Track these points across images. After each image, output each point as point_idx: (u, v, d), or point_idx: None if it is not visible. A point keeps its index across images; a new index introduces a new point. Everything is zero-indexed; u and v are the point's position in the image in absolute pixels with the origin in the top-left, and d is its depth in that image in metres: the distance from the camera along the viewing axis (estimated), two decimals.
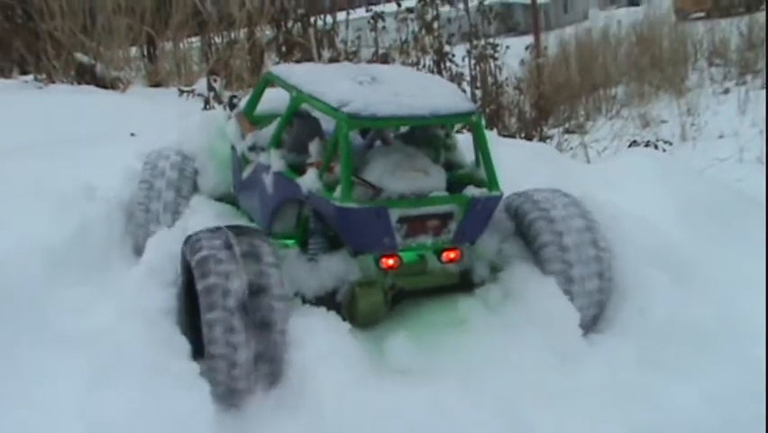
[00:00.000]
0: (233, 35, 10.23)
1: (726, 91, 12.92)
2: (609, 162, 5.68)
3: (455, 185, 3.01)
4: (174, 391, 2.50)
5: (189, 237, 2.86)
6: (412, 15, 9.21)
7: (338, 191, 2.80)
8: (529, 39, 11.81)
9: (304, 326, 2.72)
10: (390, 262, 2.90)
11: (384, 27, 9.45)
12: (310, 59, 8.80)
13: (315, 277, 2.98)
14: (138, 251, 3.61)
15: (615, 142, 9.02)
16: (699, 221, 3.94)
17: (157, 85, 9.96)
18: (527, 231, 3.13)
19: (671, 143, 8.56)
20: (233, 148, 3.80)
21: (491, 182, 2.98)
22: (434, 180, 2.94)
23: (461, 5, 9.42)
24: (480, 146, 3.02)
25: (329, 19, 9.97)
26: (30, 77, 9.66)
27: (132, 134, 6.04)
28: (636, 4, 26.66)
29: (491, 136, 3.91)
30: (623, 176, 4.45)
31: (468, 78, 9.06)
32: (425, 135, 3.34)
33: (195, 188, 4.01)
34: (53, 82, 9.33)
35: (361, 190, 2.85)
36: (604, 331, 3.05)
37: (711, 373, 2.77)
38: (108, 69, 9.61)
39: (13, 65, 10.57)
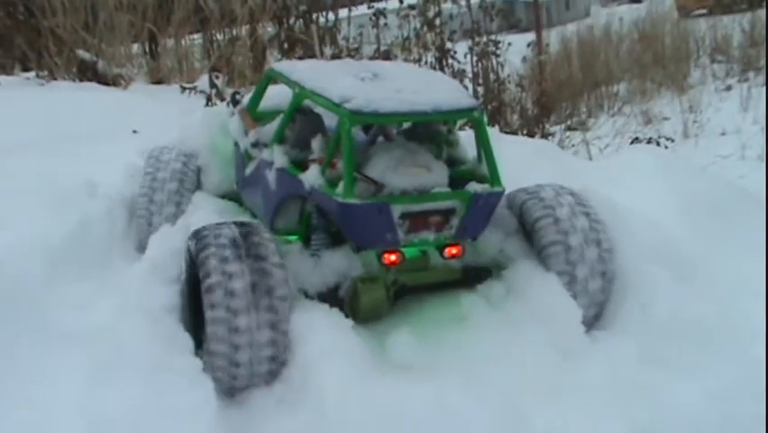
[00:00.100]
0: (234, 32, 10.24)
1: (729, 88, 12.87)
2: (611, 159, 5.66)
3: (457, 181, 3.01)
4: (177, 388, 2.50)
5: (196, 231, 2.86)
6: (414, 12, 9.19)
7: (340, 187, 2.80)
8: (531, 36, 11.75)
9: (306, 322, 2.72)
10: (393, 257, 2.89)
11: (386, 24, 9.44)
12: (312, 56, 8.81)
13: (318, 273, 2.99)
14: (140, 247, 3.62)
15: (617, 140, 8.99)
16: (700, 218, 3.93)
17: (159, 82, 9.97)
18: (532, 229, 3.13)
19: (673, 140, 8.52)
20: (235, 144, 3.81)
21: (493, 178, 2.97)
22: (437, 176, 2.94)
23: (463, 2, 9.40)
24: (482, 142, 3.02)
25: (331, 16, 9.99)
26: (32, 73, 9.68)
27: (135, 132, 6.04)
28: (638, 1, 26.52)
29: (493, 133, 3.91)
30: (625, 173, 4.43)
31: (470, 75, 9.03)
32: (427, 132, 3.33)
33: (198, 185, 4.02)
34: (55, 79, 9.34)
35: (364, 186, 2.84)
36: (606, 328, 3.04)
37: (713, 371, 2.76)
38: (110, 65, 9.63)
39: (14, 62, 10.60)
